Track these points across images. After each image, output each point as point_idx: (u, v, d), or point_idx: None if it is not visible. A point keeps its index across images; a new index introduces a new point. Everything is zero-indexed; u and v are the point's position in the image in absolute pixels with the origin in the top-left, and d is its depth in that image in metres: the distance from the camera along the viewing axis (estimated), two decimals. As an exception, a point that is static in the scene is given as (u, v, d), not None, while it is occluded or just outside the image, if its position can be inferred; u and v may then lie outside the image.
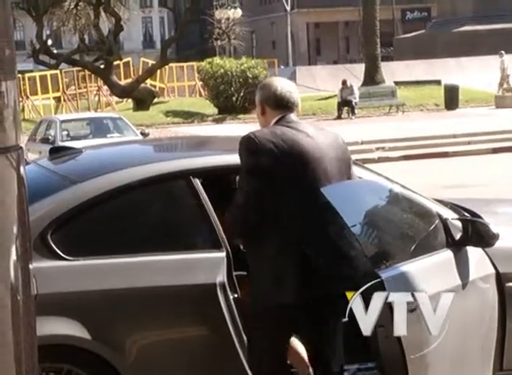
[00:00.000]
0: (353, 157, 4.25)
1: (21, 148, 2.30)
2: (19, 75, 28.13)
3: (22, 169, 2.28)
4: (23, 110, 31.17)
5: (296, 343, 4.12)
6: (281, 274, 3.72)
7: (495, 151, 18.64)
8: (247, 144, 3.76)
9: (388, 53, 50.82)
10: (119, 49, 34.92)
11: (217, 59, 30.83)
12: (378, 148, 19.38)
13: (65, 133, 17.47)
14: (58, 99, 34.93)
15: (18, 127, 2.29)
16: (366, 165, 5.51)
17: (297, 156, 3.74)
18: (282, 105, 3.88)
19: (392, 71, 36.67)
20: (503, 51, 32.66)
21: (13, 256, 2.23)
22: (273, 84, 3.94)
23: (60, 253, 4.00)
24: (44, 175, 4.64)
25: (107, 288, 3.97)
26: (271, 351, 3.88)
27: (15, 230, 2.24)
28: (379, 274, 3.67)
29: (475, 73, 34.89)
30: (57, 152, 5.09)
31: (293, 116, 3.89)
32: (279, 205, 3.71)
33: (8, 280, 2.20)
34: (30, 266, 2.39)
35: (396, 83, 32.69)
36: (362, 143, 19.79)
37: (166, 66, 35.70)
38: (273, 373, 3.92)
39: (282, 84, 3.94)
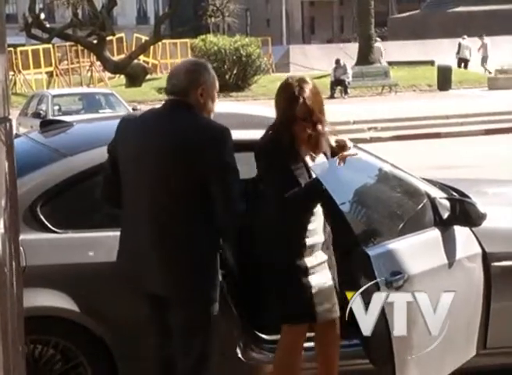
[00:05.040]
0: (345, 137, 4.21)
1: (10, 119, 2.31)
2: (11, 49, 27.97)
3: (11, 140, 2.29)
4: (14, 84, 30.94)
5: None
6: None
7: (487, 132, 18.64)
8: None
9: (382, 33, 50.61)
10: (112, 24, 34.65)
11: (210, 37, 30.66)
12: (370, 128, 19.35)
13: (56, 108, 17.40)
14: (50, 74, 34.68)
15: (7, 100, 2.30)
16: (358, 145, 5.51)
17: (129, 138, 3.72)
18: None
19: (386, 51, 36.55)
20: None
21: (1, 228, 2.24)
22: None
23: (49, 226, 4.01)
24: (35, 148, 4.64)
25: (95, 261, 3.99)
26: None
27: (3, 201, 2.25)
28: (367, 251, 3.69)
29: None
30: (48, 125, 5.08)
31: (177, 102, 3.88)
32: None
33: (-5, 251, 2.21)
34: (19, 238, 2.41)
35: (390, 63, 32.61)
36: (354, 123, 19.77)
37: (159, 43, 35.48)
38: None
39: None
